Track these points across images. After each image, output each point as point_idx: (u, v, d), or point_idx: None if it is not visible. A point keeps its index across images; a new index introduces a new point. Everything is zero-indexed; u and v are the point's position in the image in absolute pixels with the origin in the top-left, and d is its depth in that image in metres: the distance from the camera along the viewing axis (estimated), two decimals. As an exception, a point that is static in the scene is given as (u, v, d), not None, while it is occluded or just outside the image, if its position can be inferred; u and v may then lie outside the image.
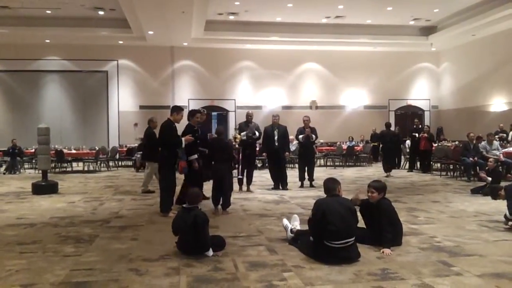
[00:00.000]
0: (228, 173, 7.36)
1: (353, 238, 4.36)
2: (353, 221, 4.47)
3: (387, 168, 13.27)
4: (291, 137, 13.39)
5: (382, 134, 14.63)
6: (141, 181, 12.14)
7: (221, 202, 7.20)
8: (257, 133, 9.82)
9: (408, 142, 15.76)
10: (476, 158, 11.31)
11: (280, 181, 10.10)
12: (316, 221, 4.43)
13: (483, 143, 12.02)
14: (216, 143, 7.48)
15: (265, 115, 20.88)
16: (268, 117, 19.90)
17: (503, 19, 16.66)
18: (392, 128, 14.72)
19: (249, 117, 10.03)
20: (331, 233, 4.26)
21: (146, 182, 9.88)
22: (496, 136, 13.53)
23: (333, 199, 4.55)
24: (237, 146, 9.32)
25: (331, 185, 4.69)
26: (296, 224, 5.34)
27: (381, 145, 15.18)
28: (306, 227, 5.27)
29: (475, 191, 9.04)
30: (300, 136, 10.41)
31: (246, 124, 9.90)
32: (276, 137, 10.05)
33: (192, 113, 7.72)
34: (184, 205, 4.86)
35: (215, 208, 7.16)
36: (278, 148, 10.05)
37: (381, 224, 4.79)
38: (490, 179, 8.53)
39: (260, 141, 10.48)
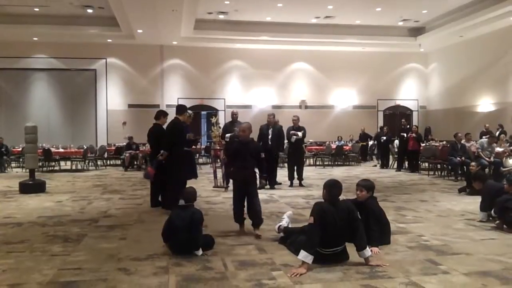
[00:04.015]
0: (254, 181, 5.75)
1: (343, 246, 4.35)
2: (347, 230, 4.27)
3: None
4: None
5: (376, 134, 17.86)
6: (129, 180, 12.12)
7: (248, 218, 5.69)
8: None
9: (396, 142, 15.88)
10: (463, 158, 11.42)
11: (269, 180, 10.08)
12: (317, 229, 4.18)
13: (481, 140, 12.06)
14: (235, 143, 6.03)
15: (254, 114, 20.89)
16: (257, 117, 19.96)
17: (491, 21, 16.86)
18: (385, 130, 16.99)
19: (234, 116, 9.91)
20: (321, 241, 4.21)
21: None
22: (484, 137, 13.61)
23: (332, 208, 4.25)
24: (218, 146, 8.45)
25: (334, 192, 4.35)
26: (286, 220, 5.36)
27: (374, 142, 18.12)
28: (295, 225, 5.31)
29: (462, 191, 9.14)
30: (294, 137, 10.37)
31: (232, 124, 9.74)
32: (270, 136, 10.04)
33: (183, 109, 7.54)
34: (180, 204, 4.86)
35: (241, 226, 5.73)
36: (271, 148, 10.03)
37: (368, 223, 4.81)
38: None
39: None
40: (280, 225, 5.24)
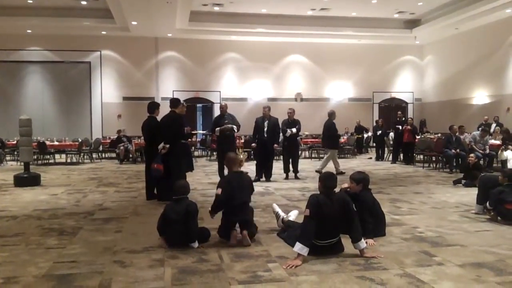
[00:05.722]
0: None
1: (338, 237, 4.37)
2: (342, 222, 4.29)
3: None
4: None
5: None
6: (124, 173, 12.10)
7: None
8: (234, 127, 9.35)
9: (391, 134, 15.93)
10: (458, 150, 11.46)
11: (264, 173, 10.10)
12: (313, 221, 4.19)
13: (474, 133, 12.11)
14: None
15: (250, 107, 20.86)
16: (253, 109, 19.95)
17: (486, 13, 16.87)
18: (380, 123, 17.01)
19: (222, 109, 9.81)
20: (317, 233, 4.22)
21: (337, 165, 11.67)
22: (480, 129, 13.68)
23: (328, 200, 4.26)
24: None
25: (330, 184, 4.35)
26: (280, 211, 5.39)
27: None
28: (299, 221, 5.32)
29: (457, 183, 9.19)
30: (288, 132, 10.33)
31: (222, 117, 9.61)
32: (265, 129, 10.01)
33: (177, 102, 7.53)
34: (174, 197, 4.85)
35: (231, 240, 4.76)
36: (267, 140, 10.00)
37: (363, 215, 4.82)
38: None
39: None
40: (283, 218, 5.26)
